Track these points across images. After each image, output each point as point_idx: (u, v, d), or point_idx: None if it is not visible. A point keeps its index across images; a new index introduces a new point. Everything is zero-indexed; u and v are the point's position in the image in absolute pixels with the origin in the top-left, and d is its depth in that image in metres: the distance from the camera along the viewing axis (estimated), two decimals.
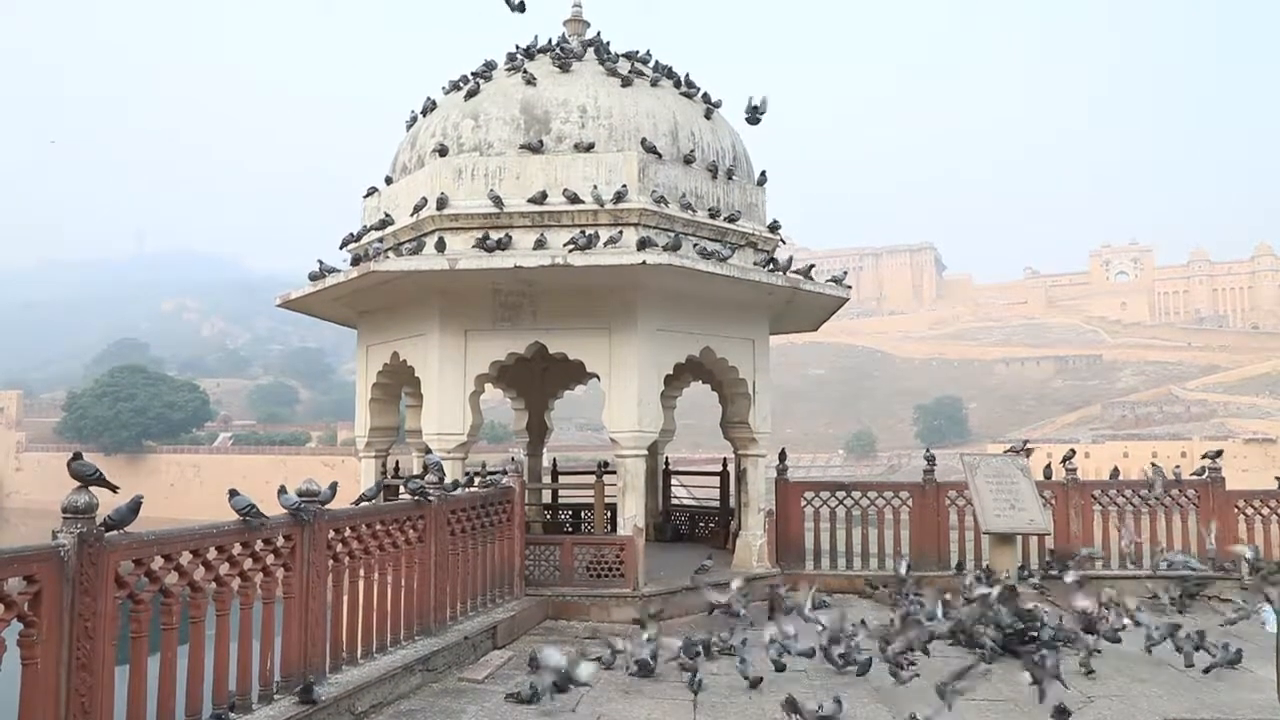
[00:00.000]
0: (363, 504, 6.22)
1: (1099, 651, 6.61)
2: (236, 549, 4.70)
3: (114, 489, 4.13)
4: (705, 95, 9.56)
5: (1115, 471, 10.85)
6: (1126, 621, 7.07)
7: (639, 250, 7.69)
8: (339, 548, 5.49)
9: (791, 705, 4.83)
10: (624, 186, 8.20)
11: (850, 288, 10.24)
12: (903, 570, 8.32)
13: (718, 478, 11.51)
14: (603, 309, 8.22)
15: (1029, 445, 9.89)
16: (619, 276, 7.90)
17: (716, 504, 11.54)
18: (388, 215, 8.99)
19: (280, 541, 4.97)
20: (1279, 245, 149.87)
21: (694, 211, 8.67)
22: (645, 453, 8.61)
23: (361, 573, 5.75)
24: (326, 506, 5.31)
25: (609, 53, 9.40)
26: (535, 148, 8.46)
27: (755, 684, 6.05)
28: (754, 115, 9.15)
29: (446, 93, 9.58)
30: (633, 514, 8.24)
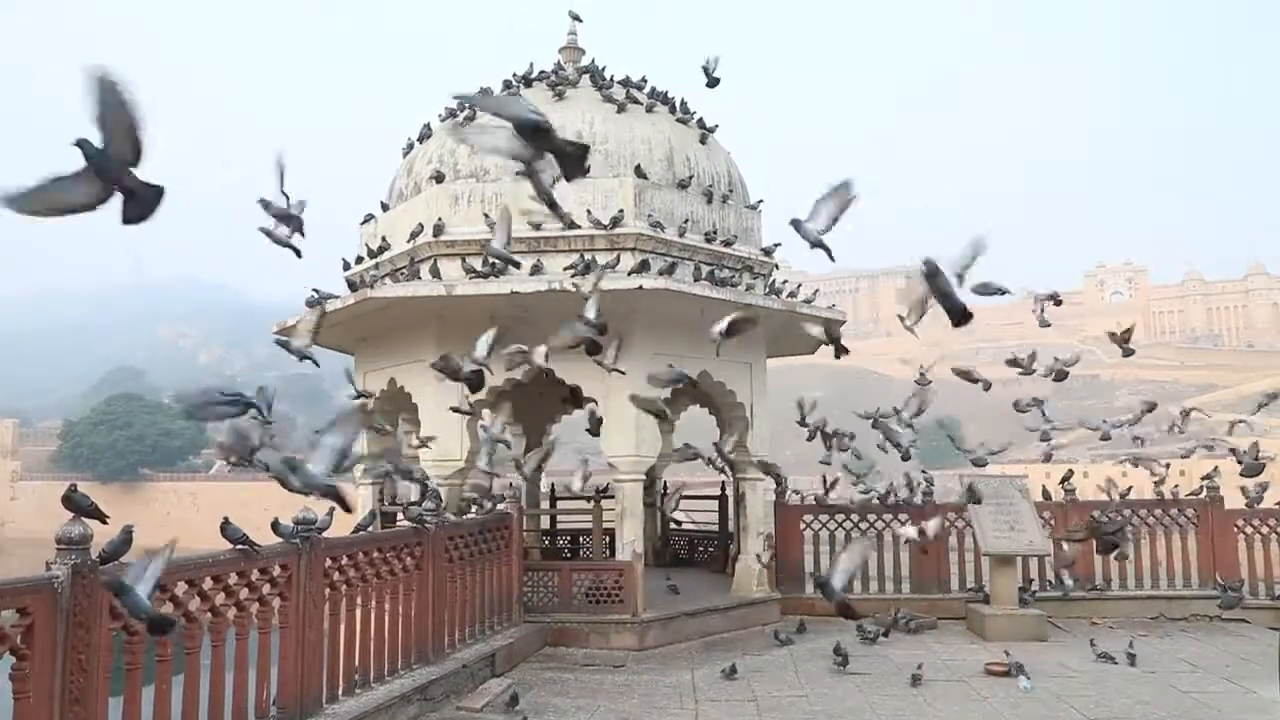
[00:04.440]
0: (360, 532, 6.20)
1: None
2: (232, 579, 4.67)
3: (104, 520, 4.10)
4: (700, 120, 9.62)
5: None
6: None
7: (636, 275, 7.71)
8: (336, 576, 5.46)
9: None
10: (620, 211, 8.23)
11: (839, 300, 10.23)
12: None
13: (716, 502, 11.47)
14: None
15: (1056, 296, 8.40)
16: (615, 301, 7.89)
17: (715, 528, 11.50)
18: (385, 241, 9.02)
19: (276, 571, 4.94)
20: (1271, 263, 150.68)
21: (690, 236, 8.70)
22: (643, 477, 8.58)
23: (359, 601, 5.71)
24: (323, 534, 5.29)
25: (604, 79, 9.47)
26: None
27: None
28: (710, 78, 8.48)
29: (443, 120, 9.64)
30: (631, 539, 8.20)
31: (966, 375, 7.27)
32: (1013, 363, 7.71)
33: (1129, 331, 7.56)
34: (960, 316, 3.36)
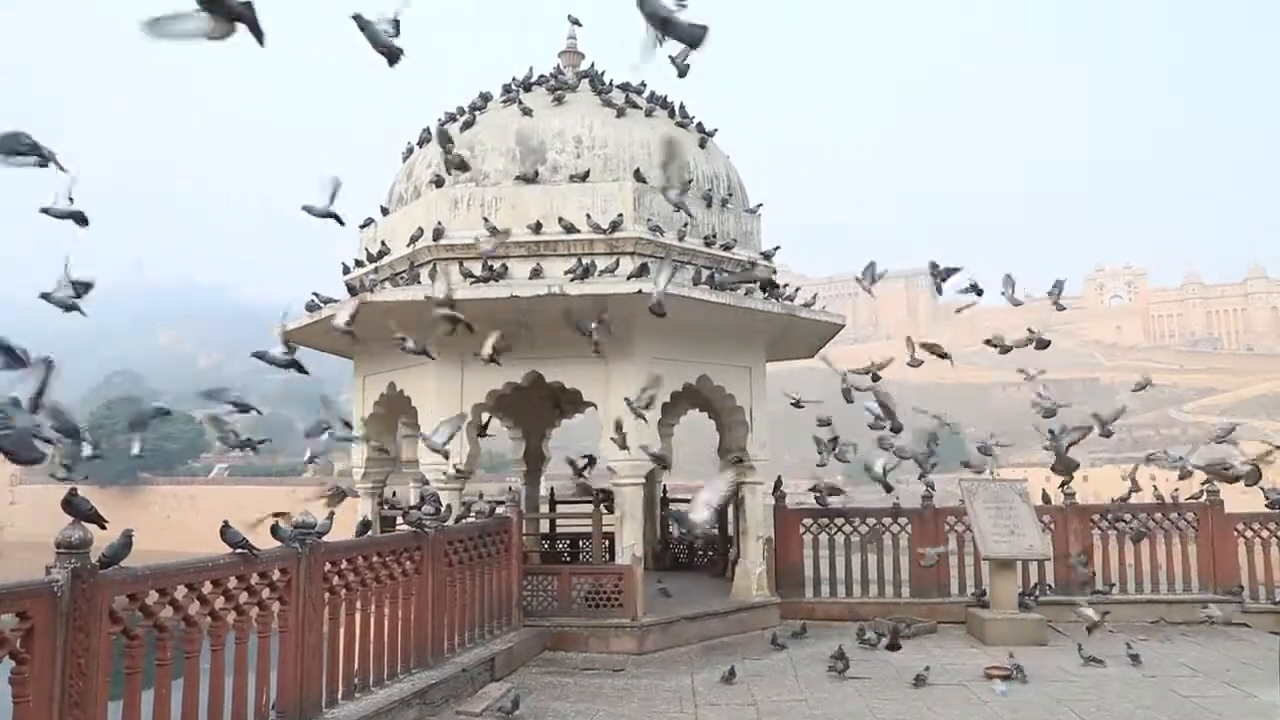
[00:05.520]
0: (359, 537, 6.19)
1: None
2: (232, 583, 4.67)
3: (103, 524, 4.10)
4: (699, 124, 9.63)
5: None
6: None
7: (635, 279, 7.71)
8: (335, 580, 5.45)
9: None
10: (620, 215, 8.25)
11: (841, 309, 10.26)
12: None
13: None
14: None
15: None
16: (615, 305, 7.90)
17: (715, 532, 11.48)
18: (384, 245, 9.02)
19: (276, 575, 4.93)
20: (1271, 264, 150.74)
21: (690, 240, 8.71)
22: (643, 481, 8.58)
23: (358, 605, 5.70)
24: (323, 538, 5.29)
25: (603, 84, 9.49)
26: (531, 178, 8.51)
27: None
28: (679, 67, 8.32)
29: (442, 124, 9.65)
30: (631, 543, 8.19)
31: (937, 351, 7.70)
32: (990, 343, 8.05)
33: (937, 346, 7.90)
34: (692, 39, 3.02)
